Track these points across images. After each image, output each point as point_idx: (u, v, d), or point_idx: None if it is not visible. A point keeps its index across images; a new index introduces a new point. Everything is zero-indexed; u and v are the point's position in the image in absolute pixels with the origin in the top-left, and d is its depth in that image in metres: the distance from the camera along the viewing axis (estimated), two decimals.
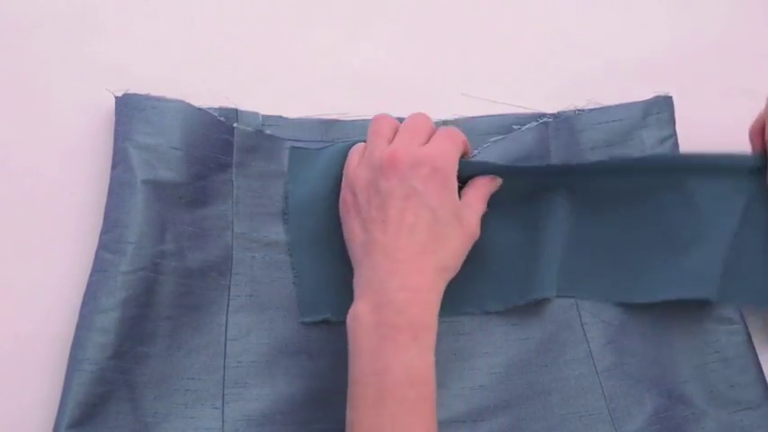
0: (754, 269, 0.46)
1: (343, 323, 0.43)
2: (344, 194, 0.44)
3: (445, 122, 0.51)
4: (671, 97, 0.51)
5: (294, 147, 0.49)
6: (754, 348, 0.48)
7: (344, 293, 0.45)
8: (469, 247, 0.43)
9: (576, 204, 0.48)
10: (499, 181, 0.46)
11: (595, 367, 0.46)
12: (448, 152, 0.43)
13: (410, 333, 0.38)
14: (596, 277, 0.48)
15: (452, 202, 0.42)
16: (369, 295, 0.39)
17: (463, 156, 0.45)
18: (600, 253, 0.48)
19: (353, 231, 0.42)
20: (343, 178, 0.45)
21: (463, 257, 0.43)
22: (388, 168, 0.41)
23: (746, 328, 0.48)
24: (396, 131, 0.44)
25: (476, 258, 0.44)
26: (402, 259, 0.40)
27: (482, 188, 0.45)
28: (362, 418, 0.37)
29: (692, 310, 0.48)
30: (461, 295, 0.46)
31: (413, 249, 0.40)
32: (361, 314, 0.39)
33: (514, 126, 0.50)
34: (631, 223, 0.48)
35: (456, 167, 0.43)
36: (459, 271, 0.42)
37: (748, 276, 0.46)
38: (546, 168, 0.48)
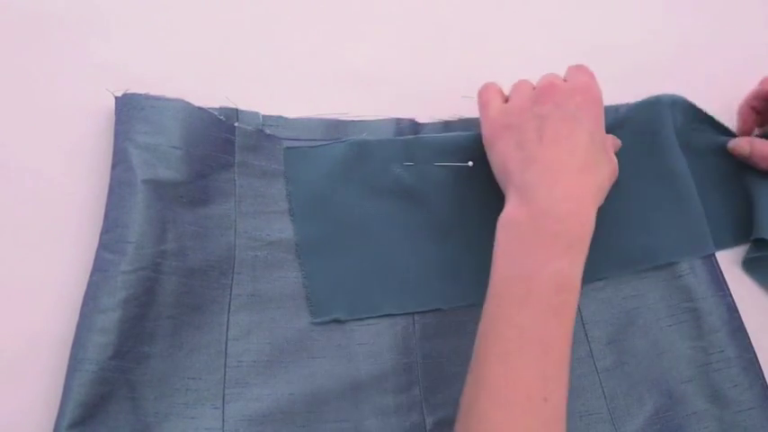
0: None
1: (353, 321, 0.44)
2: (489, 131, 0.45)
3: (446, 123, 0.51)
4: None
5: (288, 147, 0.49)
6: (753, 348, 0.48)
7: (355, 292, 0.45)
8: (611, 185, 0.44)
9: None
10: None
11: (596, 367, 0.46)
12: (597, 89, 0.45)
13: (566, 242, 0.39)
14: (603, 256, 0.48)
15: (603, 132, 0.44)
16: (526, 203, 0.40)
17: None
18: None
19: (507, 153, 0.43)
20: (483, 120, 0.46)
21: (606, 192, 0.44)
22: (546, 94, 0.43)
23: (744, 328, 0.48)
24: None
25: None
26: (564, 173, 0.41)
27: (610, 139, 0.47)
28: (504, 313, 0.38)
29: (692, 308, 0.48)
30: (479, 287, 0.46)
31: (573, 166, 0.41)
32: (518, 220, 0.40)
33: None
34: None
35: (603, 103, 0.45)
36: (473, 264, 0.43)
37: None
38: None
